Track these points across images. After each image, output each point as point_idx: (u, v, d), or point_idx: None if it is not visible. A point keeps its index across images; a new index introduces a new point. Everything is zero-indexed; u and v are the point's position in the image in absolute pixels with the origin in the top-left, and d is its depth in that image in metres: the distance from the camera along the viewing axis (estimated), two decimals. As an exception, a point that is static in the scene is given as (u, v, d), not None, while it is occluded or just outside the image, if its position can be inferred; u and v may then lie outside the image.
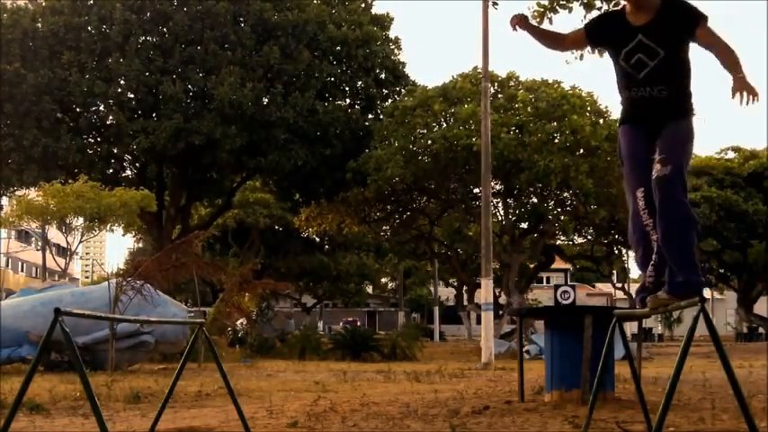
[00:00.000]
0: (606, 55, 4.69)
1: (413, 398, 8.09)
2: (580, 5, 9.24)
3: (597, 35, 4.59)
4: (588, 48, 4.56)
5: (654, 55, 4.21)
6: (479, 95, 20.65)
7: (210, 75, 24.25)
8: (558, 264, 41.48)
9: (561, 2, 9.28)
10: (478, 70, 23.04)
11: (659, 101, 4.20)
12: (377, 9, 28.47)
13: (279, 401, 7.98)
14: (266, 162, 24.93)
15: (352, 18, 26.40)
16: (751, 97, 3.97)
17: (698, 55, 4.27)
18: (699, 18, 4.21)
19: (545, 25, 9.37)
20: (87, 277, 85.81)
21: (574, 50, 4.64)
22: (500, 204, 27.35)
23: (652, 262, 4.27)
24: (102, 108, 25.62)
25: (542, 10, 9.37)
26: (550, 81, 25.15)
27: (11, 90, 23.84)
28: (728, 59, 4.13)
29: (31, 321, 13.40)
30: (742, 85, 4.00)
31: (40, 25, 24.87)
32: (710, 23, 4.22)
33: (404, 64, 27.75)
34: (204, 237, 16.96)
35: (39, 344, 7.74)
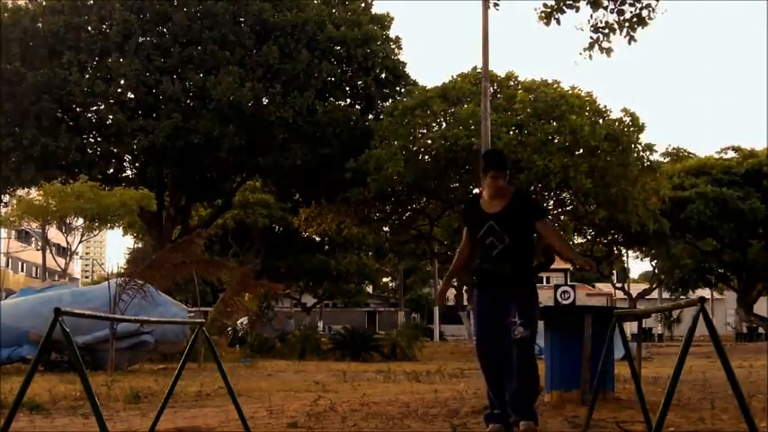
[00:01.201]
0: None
1: (413, 398, 8.09)
2: (587, 5, 9.16)
3: (467, 221, 5.48)
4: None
5: (502, 239, 5.15)
6: (479, 95, 20.64)
7: (209, 74, 24.27)
8: (558, 264, 41.47)
9: (568, 1, 9.18)
10: (478, 70, 23.03)
11: (506, 275, 5.12)
12: (377, 9, 28.51)
13: (279, 401, 7.98)
14: (265, 162, 24.93)
15: (352, 18, 26.39)
16: (588, 266, 5.33)
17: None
18: (539, 214, 5.39)
19: (552, 26, 9.27)
20: (87, 277, 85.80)
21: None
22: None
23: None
24: (101, 107, 25.62)
25: (549, 11, 9.27)
26: (549, 81, 25.16)
27: (11, 89, 23.84)
28: (562, 247, 5.60)
29: (31, 321, 13.39)
30: (582, 262, 5.32)
31: (40, 25, 24.88)
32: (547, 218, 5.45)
33: (404, 63, 27.74)
34: (206, 235, 16.96)
35: (39, 344, 7.74)
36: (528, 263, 5.36)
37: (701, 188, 30.56)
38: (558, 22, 9.26)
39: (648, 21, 9.04)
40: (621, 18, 9.07)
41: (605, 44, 9.25)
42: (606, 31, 9.18)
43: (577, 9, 9.21)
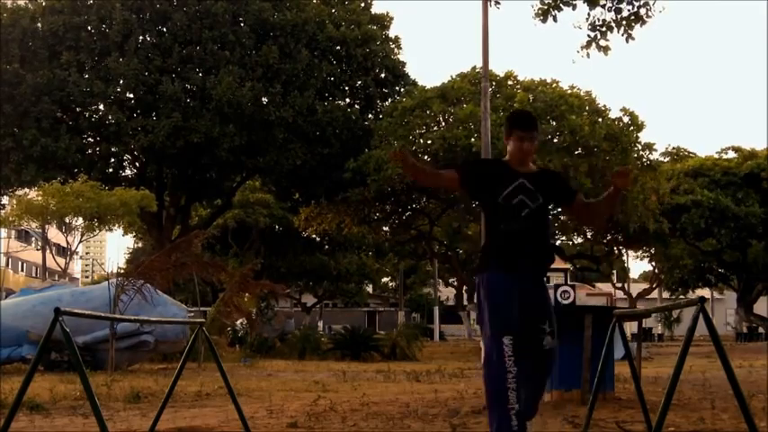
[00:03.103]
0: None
1: (413, 398, 8.10)
2: (584, 2, 9.15)
3: (470, 177, 4.51)
4: (457, 190, 4.55)
5: (535, 199, 4.36)
6: (478, 95, 20.65)
7: (209, 74, 24.27)
8: (558, 264, 41.46)
9: None
10: (477, 70, 23.04)
11: (536, 237, 4.34)
12: (376, 8, 28.53)
13: (279, 401, 7.98)
14: (265, 161, 24.93)
15: (352, 17, 26.40)
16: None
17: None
18: (574, 193, 4.59)
19: (551, 25, 9.30)
20: (87, 277, 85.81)
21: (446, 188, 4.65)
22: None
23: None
24: (101, 107, 25.63)
25: (545, 8, 9.25)
26: (548, 80, 25.16)
27: (10, 90, 23.84)
28: (609, 203, 4.58)
29: (31, 321, 13.40)
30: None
31: (39, 25, 24.88)
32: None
33: (404, 63, 27.75)
34: (204, 237, 16.96)
35: (39, 343, 7.75)
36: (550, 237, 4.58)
37: (697, 193, 30.45)
38: (555, 19, 9.24)
39: (647, 19, 9.05)
40: (619, 16, 9.08)
41: (602, 42, 9.25)
42: (604, 29, 9.18)
43: (574, 7, 9.20)
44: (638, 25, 9.10)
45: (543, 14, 9.25)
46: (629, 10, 9.04)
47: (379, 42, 26.77)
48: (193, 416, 6.94)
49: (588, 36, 9.26)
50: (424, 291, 57.52)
